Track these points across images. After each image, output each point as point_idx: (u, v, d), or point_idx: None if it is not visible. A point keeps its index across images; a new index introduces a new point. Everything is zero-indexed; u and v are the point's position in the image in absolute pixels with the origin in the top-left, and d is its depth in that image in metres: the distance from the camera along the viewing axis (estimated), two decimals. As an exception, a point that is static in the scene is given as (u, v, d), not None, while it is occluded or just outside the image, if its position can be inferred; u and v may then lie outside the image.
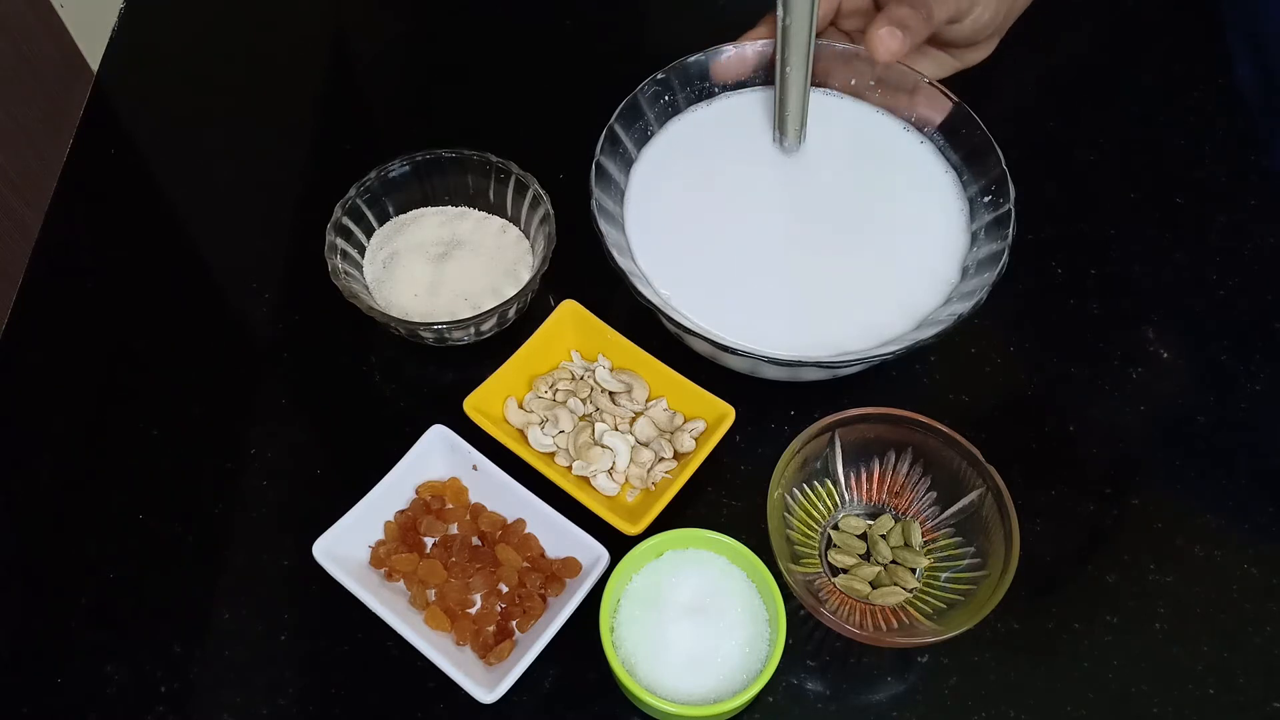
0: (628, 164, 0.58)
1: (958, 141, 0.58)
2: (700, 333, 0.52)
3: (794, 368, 0.52)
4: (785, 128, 0.59)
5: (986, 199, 0.56)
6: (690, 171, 0.59)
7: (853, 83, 0.60)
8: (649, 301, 0.52)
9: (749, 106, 0.61)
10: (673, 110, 0.60)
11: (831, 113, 0.60)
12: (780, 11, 0.55)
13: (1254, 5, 0.69)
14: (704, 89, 0.60)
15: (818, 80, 0.60)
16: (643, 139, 0.59)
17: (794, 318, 0.54)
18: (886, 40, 0.55)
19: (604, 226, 0.53)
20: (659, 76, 0.58)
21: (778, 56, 0.57)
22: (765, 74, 0.61)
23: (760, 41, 0.59)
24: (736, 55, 0.60)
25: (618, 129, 0.57)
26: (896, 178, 0.58)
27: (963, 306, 0.52)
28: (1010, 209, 0.54)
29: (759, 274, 0.55)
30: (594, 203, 0.54)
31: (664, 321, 0.53)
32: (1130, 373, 0.58)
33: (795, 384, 0.56)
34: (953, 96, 0.57)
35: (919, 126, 0.59)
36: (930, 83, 0.58)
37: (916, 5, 0.56)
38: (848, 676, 0.50)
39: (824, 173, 0.59)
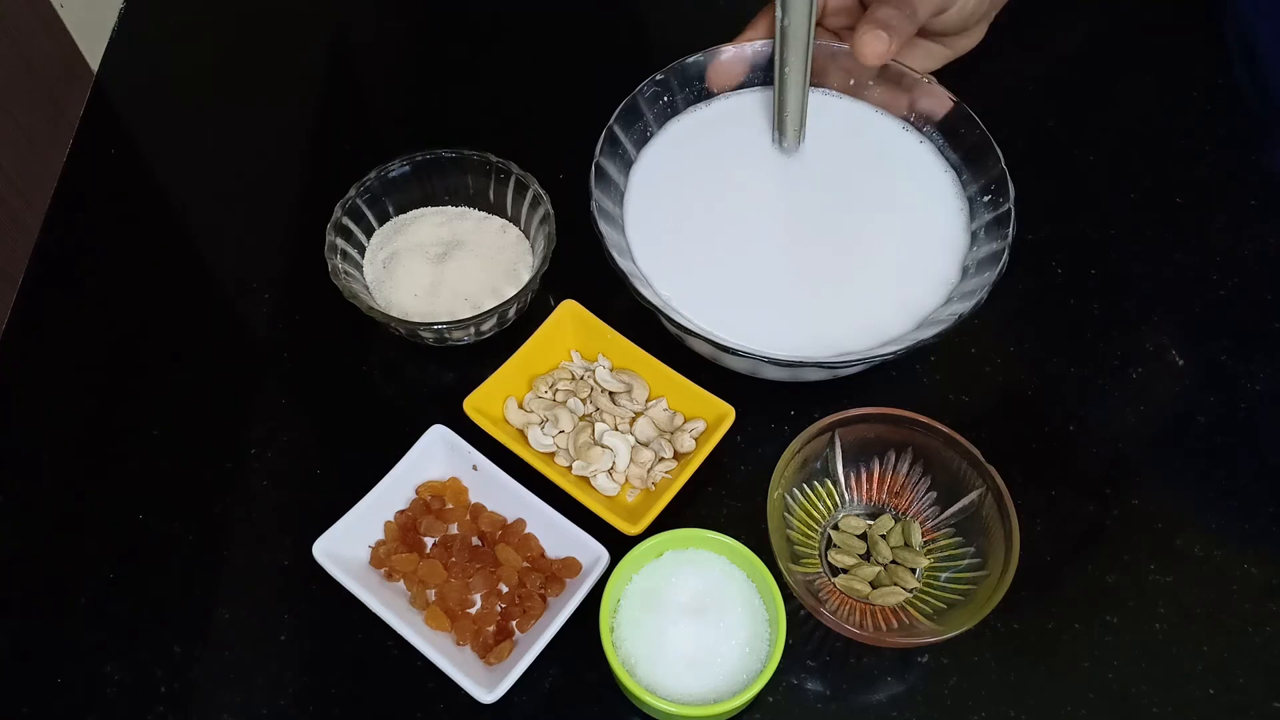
0: (627, 165, 0.58)
1: (957, 141, 0.58)
2: (701, 333, 0.52)
3: (795, 368, 0.52)
4: (784, 128, 0.59)
5: (986, 198, 0.56)
6: (690, 172, 0.59)
7: (851, 82, 0.60)
8: (650, 303, 0.52)
9: (748, 107, 0.61)
10: (672, 111, 0.60)
11: (830, 112, 0.60)
12: (779, 12, 0.55)
13: (1249, 10, 0.69)
14: (703, 90, 0.60)
15: (816, 80, 0.60)
16: (642, 140, 0.59)
17: (795, 318, 0.54)
18: (871, 43, 0.55)
19: (604, 228, 0.53)
20: (658, 77, 0.58)
21: (776, 57, 0.57)
22: (764, 74, 0.61)
23: (759, 42, 0.59)
24: (734, 58, 0.60)
25: (617, 130, 0.57)
26: (896, 177, 0.58)
27: (963, 306, 0.52)
28: (1010, 208, 0.54)
29: (759, 275, 0.55)
30: (594, 204, 0.54)
31: (665, 323, 0.53)
32: (1130, 373, 0.58)
33: (795, 384, 0.56)
34: (952, 96, 0.57)
35: (918, 126, 0.59)
36: (929, 81, 0.58)
37: (899, 4, 0.56)
38: (848, 676, 0.50)
39: (823, 173, 0.59)
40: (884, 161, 0.59)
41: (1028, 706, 0.49)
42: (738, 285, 0.55)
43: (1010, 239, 0.53)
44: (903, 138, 0.60)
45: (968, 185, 0.58)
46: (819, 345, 0.53)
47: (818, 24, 0.61)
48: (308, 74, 0.71)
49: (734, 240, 0.56)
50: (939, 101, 0.58)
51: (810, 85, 0.58)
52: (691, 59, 0.59)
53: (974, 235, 0.56)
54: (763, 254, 0.56)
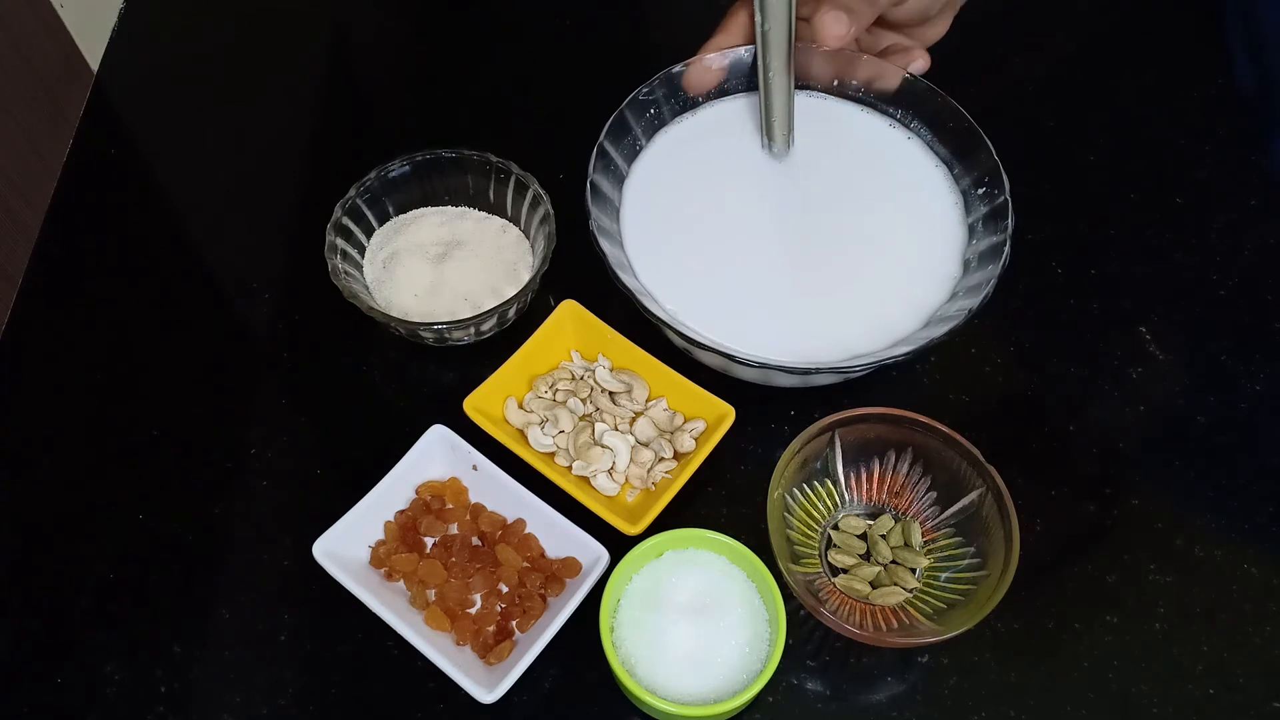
0: (620, 180, 0.58)
1: (945, 134, 0.58)
2: (713, 346, 0.51)
3: (806, 375, 0.52)
4: (773, 133, 0.58)
5: (980, 190, 0.56)
6: (684, 183, 0.58)
7: (835, 83, 0.60)
8: (657, 318, 0.52)
9: (735, 114, 0.60)
10: (660, 122, 0.60)
11: (816, 114, 0.60)
12: (758, 17, 0.55)
13: (1251, 6, 0.69)
14: (688, 99, 0.60)
15: (798, 82, 0.59)
16: (632, 154, 0.59)
17: (801, 323, 0.54)
18: (832, 25, 0.55)
19: (606, 247, 0.53)
20: (643, 90, 0.58)
21: (759, 63, 0.57)
22: (746, 80, 0.60)
23: (743, 48, 0.59)
24: (714, 64, 0.59)
25: (607, 145, 0.57)
26: (888, 175, 0.58)
27: (971, 301, 0.51)
28: (1006, 199, 0.54)
29: (762, 282, 0.55)
30: (593, 224, 0.54)
31: (671, 336, 0.53)
32: (1130, 373, 0.58)
33: (800, 386, 0.56)
34: (938, 90, 0.57)
35: (904, 122, 0.59)
36: (913, 77, 0.58)
37: None
38: (848, 676, 0.50)
39: (816, 176, 0.58)
40: (874, 159, 0.59)
41: (1028, 706, 0.49)
42: (741, 294, 0.55)
43: (1010, 230, 0.53)
44: (890, 134, 0.59)
45: (960, 179, 0.57)
46: (828, 349, 0.53)
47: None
48: (308, 74, 0.71)
49: (734, 249, 0.56)
50: (924, 97, 0.58)
51: (794, 87, 0.58)
52: (676, 69, 0.59)
53: (972, 228, 0.56)
54: (764, 261, 0.56)
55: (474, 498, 0.53)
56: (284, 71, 0.71)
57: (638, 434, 0.54)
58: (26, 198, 0.62)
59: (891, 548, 0.51)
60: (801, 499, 0.52)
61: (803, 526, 0.52)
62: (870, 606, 0.50)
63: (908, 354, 0.51)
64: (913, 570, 0.51)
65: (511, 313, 0.57)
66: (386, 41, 0.74)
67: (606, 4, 0.75)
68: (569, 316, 0.56)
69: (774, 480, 0.49)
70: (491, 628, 0.49)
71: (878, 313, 0.54)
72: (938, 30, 0.62)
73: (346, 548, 0.50)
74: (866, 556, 0.52)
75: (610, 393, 0.55)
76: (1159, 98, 0.69)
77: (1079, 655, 0.50)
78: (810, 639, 0.51)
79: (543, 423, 0.55)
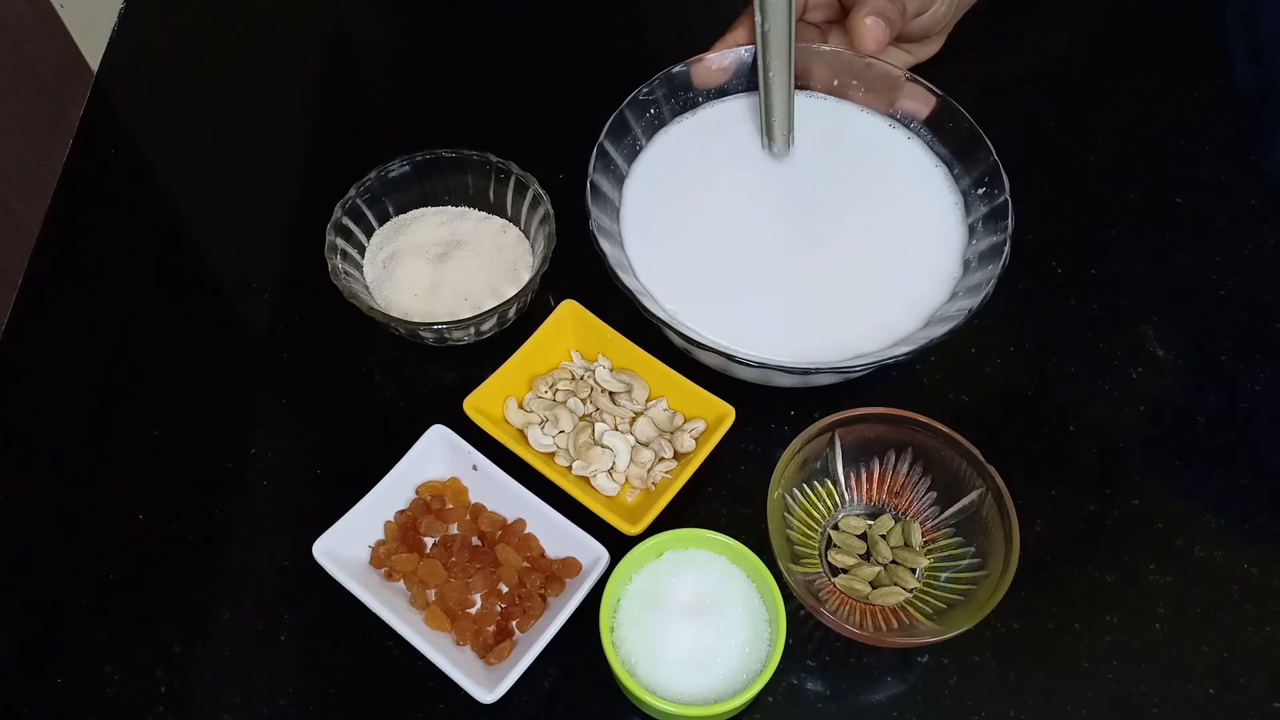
0: (619, 179, 0.58)
1: (945, 135, 0.58)
2: (713, 346, 0.51)
3: (806, 375, 0.52)
4: (773, 133, 0.58)
5: (980, 190, 0.56)
6: (684, 183, 0.58)
7: (835, 83, 0.60)
8: (657, 318, 0.52)
9: (735, 114, 0.61)
10: (660, 122, 0.60)
11: (816, 114, 0.60)
12: (759, 17, 0.56)
13: (1251, 6, 0.69)
14: (689, 99, 0.60)
15: (799, 82, 0.59)
16: (632, 154, 0.59)
17: (802, 323, 0.54)
18: (872, 29, 0.56)
19: (606, 247, 0.53)
20: (644, 90, 0.58)
21: (759, 63, 0.57)
22: (748, 80, 0.60)
23: (743, 48, 0.59)
24: (717, 63, 0.59)
25: (607, 145, 0.57)
26: (888, 175, 0.58)
27: (971, 301, 0.51)
28: (1006, 199, 0.54)
29: (762, 283, 0.55)
30: (593, 224, 0.54)
31: (671, 336, 0.53)
32: (1130, 373, 0.58)
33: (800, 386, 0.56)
34: (936, 90, 0.57)
35: (904, 122, 0.59)
36: (912, 78, 0.58)
37: None
38: (848, 676, 0.50)
39: (816, 175, 0.59)
40: (874, 160, 0.59)
41: (1028, 706, 0.49)
42: (741, 294, 0.55)
43: (1010, 230, 0.53)
44: (890, 135, 0.60)
45: (960, 179, 0.58)
46: (828, 349, 0.53)
47: (800, 20, 0.61)
48: (308, 74, 0.71)
49: (734, 250, 0.56)
50: (923, 96, 0.58)
51: (794, 87, 0.58)
52: (677, 69, 0.59)
53: (972, 228, 0.56)
54: (763, 261, 0.56)
55: (474, 498, 0.53)
56: (284, 71, 0.71)
57: (638, 434, 0.54)
58: (26, 198, 0.62)
59: (891, 548, 0.51)
60: (801, 499, 0.52)
61: (803, 526, 0.52)
62: (870, 606, 0.50)
63: (908, 354, 0.51)
64: (913, 570, 0.51)
65: (511, 313, 0.57)
66: (386, 42, 0.74)
67: (606, 4, 0.75)
68: (569, 316, 0.56)
69: (774, 480, 0.49)
70: (491, 628, 0.50)
71: (878, 312, 0.54)
72: (932, 48, 0.63)
73: (346, 548, 0.50)
74: (866, 556, 0.52)
75: (610, 393, 0.55)
76: (1159, 98, 0.69)
77: (1079, 655, 0.50)
78: (810, 639, 0.51)
79: (543, 423, 0.55)
